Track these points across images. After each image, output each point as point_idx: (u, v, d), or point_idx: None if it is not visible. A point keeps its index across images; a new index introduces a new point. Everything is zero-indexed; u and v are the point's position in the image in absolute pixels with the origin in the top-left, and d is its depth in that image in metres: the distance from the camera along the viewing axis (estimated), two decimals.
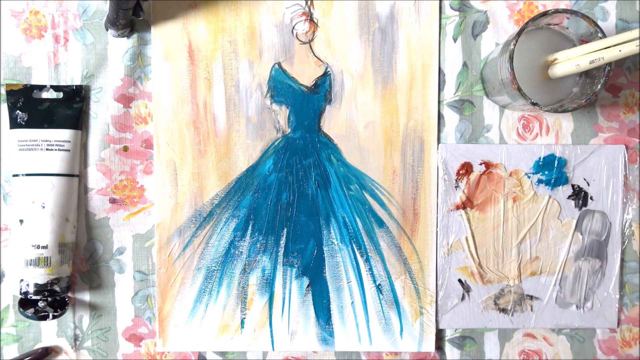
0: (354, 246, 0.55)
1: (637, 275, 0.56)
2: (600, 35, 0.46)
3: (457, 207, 0.55)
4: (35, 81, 0.53)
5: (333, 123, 0.54)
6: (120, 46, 0.53)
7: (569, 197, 0.55)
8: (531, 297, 0.55)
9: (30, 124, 0.52)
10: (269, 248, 0.55)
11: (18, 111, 0.52)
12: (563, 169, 0.55)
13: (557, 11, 0.46)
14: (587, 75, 0.49)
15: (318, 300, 0.55)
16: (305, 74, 0.54)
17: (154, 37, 0.53)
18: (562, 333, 0.56)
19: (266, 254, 0.55)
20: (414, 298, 0.55)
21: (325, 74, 0.54)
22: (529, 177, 0.55)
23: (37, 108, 0.52)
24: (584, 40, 0.49)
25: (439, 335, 0.56)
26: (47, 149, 0.51)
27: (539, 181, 0.55)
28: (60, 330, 0.54)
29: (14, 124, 0.52)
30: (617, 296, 0.55)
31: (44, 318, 0.51)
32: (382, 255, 0.55)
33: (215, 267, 0.54)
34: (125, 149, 0.54)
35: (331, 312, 0.55)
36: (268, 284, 0.55)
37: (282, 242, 0.55)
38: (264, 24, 0.53)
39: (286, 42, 0.54)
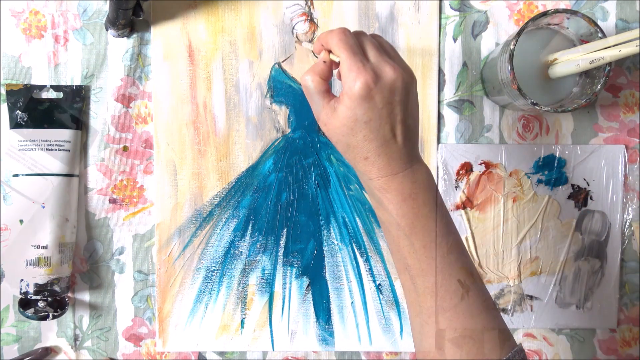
0: (354, 246, 0.55)
1: (637, 275, 0.56)
2: (600, 35, 0.46)
3: (457, 207, 0.55)
4: (35, 81, 0.53)
5: None
6: (120, 46, 0.53)
7: (569, 197, 0.55)
8: (531, 297, 0.55)
9: (30, 124, 0.52)
10: (268, 248, 0.55)
11: (18, 111, 0.52)
12: (563, 169, 0.55)
13: (557, 11, 0.46)
14: (587, 75, 0.49)
15: (318, 300, 0.55)
16: None
17: (154, 37, 0.53)
18: (562, 333, 0.56)
19: (266, 254, 0.55)
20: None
21: None
22: (529, 177, 0.55)
23: (37, 108, 0.52)
24: (584, 40, 0.48)
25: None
26: (47, 149, 0.51)
27: (539, 181, 0.55)
28: (60, 330, 0.54)
29: (14, 124, 0.52)
30: (617, 296, 0.55)
31: (44, 318, 0.51)
32: (382, 255, 0.55)
33: (215, 267, 0.54)
34: (125, 149, 0.54)
35: (331, 312, 0.55)
36: (268, 284, 0.55)
37: (282, 242, 0.54)
38: (264, 24, 0.53)
39: (286, 42, 0.54)
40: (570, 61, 0.47)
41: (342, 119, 0.38)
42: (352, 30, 0.40)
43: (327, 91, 0.40)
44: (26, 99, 0.52)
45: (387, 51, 0.40)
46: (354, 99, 0.37)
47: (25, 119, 0.52)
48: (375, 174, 0.39)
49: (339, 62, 0.39)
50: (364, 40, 0.40)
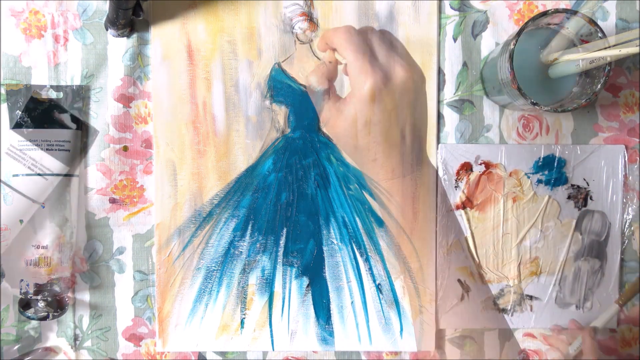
0: (354, 246, 0.55)
1: (637, 275, 0.56)
2: (600, 35, 0.46)
3: (457, 207, 0.55)
4: (35, 81, 0.53)
5: None
6: (120, 46, 0.53)
7: (569, 197, 0.55)
8: (531, 297, 0.55)
9: (30, 124, 0.52)
10: (268, 248, 0.55)
11: (18, 111, 0.52)
12: (563, 169, 0.55)
13: (557, 11, 0.46)
14: (587, 75, 0.49)
15: (318, 300, 0.55)
16: (304, 74, 0.54)
17: (154, 37, 0.53)
18: (562, 333, 0.56)
19: (266, 253, 0.55)
20: (414, 297, 0.55)
21: None
22: (528, 177, 0.55)
23: (37, 108, 0.52)
24: (584, 40, 0.48)
25: (439, 334, 0.56)
26: (47, 149, 0.51)
27: (539, 181, 0.55)
28: (60, 330, 0.55)
29: (14, 124, 0.52)
30: (617, 296, 0.55)
31: (44, 318, 0.51)
32: (382, 255, 0.55)
33: (215, 267, 0.54)
34: (125, 149, 0.54)
35: (331, 312, 0.55)
36: (268, 284, 0.55)
37: (282, 242, 0.55)
38: (263, 24, 0.53)
39: (286, 42, 0.54)
40: (570, 61, 0.47)
41: (350, 121, 0.37)
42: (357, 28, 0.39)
43: (333, 92, 0.39)
44: (26, 99, 0.52)
45: (397, 49, 0.39)
46: (363, 101, 0.36)
47: (25, 119, 0.52)
48: (382, 176, 0.39)
49: (345, 62, 0.38)
50: (372, 37, 0.38)
